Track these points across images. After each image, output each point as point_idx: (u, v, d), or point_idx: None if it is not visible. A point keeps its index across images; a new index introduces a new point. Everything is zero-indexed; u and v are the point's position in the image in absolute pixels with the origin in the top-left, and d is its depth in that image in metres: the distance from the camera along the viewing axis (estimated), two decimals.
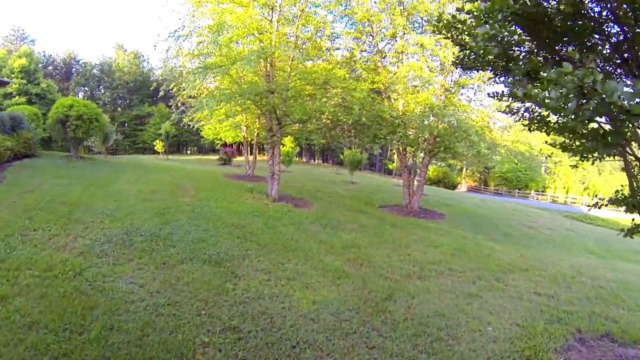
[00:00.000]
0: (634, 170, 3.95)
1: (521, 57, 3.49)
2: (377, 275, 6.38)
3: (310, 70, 11.85)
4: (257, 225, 8.35)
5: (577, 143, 4.21)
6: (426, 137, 13.71)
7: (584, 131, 3.01)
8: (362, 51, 14.05)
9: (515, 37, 2.88)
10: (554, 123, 4.01)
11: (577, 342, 4.69)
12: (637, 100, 1.88)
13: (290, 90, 11.21)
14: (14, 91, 41.72)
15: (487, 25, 2.21)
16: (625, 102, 1.84)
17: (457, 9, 2.79)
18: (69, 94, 52.69)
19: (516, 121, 3.81)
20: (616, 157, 3.97)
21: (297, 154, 33.79)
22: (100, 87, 62.55)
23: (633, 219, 3.90)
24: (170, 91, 13.95)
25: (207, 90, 14.38)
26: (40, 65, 49.72)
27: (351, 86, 11.76)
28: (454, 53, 11.25)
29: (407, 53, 13.35)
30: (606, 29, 3.21)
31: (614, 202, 3.66)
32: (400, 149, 14.88)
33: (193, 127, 15.02)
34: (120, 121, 56.21)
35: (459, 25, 3.09)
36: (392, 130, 13.31)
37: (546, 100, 2.04)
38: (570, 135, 3.89)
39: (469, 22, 2.49)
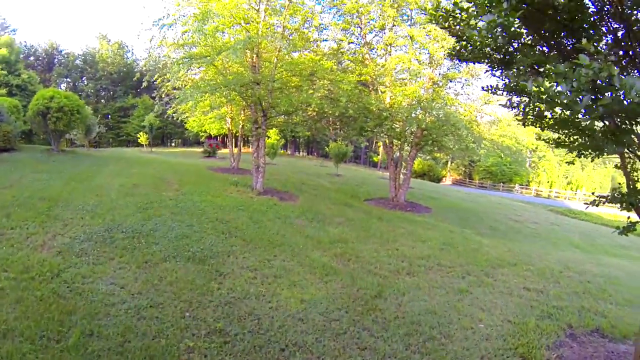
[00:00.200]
0: (631, 170, 3.88)
1: (518, 49, 3.36)
2: (365, 271, 6.26)
3: (297, 61, 11.62)
4: (242, 219, 8.14)
5: (577, 139, 4.12)
6: (413, 130, 13.64)
7: (593, 128, 2.89)
8: (350, 43, 13.85)
9: (518, 28, 2.74)
10: (549, 118, 3.91)
11: (568, 338, 4.67)
12: None
13: (276, 82, 10.97)
14: None
15: (493, 14, 2.05)
16: None
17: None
18: (51, 85, 50.89)
19: (515, 116, 3.68)
20: (612, 155, 3.88)
21: (282, 146, 33.48)
22: (83, 78, 60.67)
23: (628, 217, 3.84)
24: (155, 82, 13.57)
25: (191, 81, 14.04)
26: (21, 55, 47.94)
27: (338, 78, 11.58)
28: (446, 46, 11.19)
29: (396, 45, 13.20)
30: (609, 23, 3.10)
31: (612, 200, 3.58)
32: (387, 141, 14.79)
33: (177, 119, 14.66)
34: (103, 113, 54.72)
35: (458, 15, 2.94)
36: (379, 123, 13.19)
37: (558, 95, 1.90)
38: (571, 132, 3.79)
39: (471, 10, 2.33)
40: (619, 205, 3.66)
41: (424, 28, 11.84)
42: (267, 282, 5.27)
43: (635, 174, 3.86)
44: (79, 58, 60.30)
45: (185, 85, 13.60)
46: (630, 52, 2.91)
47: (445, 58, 12.11)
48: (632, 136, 2.26)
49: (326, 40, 13.70)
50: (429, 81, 12.86)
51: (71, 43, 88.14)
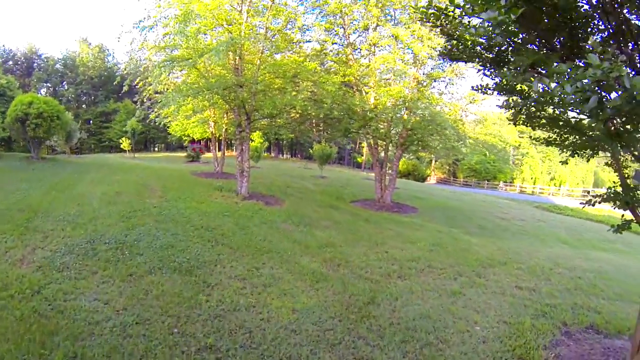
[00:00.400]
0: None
1: (516, 48, 3.28)
2: (356, 276, 6.14)
3: (280, 63, 11.46)
4: (228, 226, 7.95)
5: (567, 138, 4.08)
6: (399, 130, 13.62)
7: (590, 128, 2.83)
8: (333, 43, 13.76)
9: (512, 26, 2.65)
10: (541, 118, 3.86)
11: (564, 336, 4.65)
12: None
13: (259, 84, 10.79)
14: None
15: (494, 11, 1.95)
16: None
17: None
18: (31, 91, 49.29)
19: (507, 116, 3.60)
20: (604, 153, 3.86)
21: (265, 149, 33.20)
22: (64, 82, 59.13)
23: (622, 215, 3.83)
24: (136, 86, 13.25)
25: (173, 84, 13.76)
26: None
27: (322, 79, 11.46)
28: (431, 45, 11.18)
29: (380, 45, 13.16)
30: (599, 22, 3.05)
31: (608, 199, 3.54)
32: (372, 142, 14.74)
33: (159, 123, 14.33)
34: (84, 118, 53.51)
35: (451, 13, 2.84)
36: (363, 124, 13.13)
37: (563, 96, 1.81)
38: (563, 131, 3.74)
39: (467, 7, 2.24)
40: (613, 204, 3.64)
41: (408, 28, 11.81)
42: (256, 292, 5.10)
43: (624, 170, 3.85)
44: (59, 62, 58.74)
45: (167, 89, 13.32)
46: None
47: (429, 58, 12.12)
48: (638, 136, 2.19)
49: (309, 41, 13.60)
50: (413, 81, 12.85)
51: (51, 47, 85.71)
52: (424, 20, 3.08)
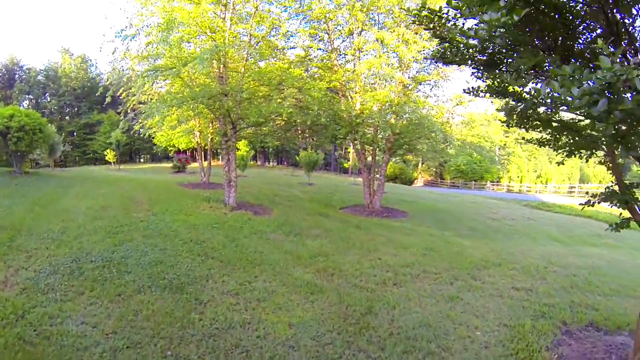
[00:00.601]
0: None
1: (516, 51, 3.22)
2: (351, 285, 6.02)
3: (265, 70, 11.34)
4: (217, 238, 7.76)
5: (560, 138, 4.06)
6: (386, 135, 13.58)
7: (603, 132, 2.77)
8: (318, 49, 13.70)
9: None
10: (535, 119, 3.82)
11: (565, 335, 4.62)
12: None
13: (244, 92, 10.65)
14: None
15: (496, 12, 1.87)
16: None
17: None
18: (13, 103, 48.36)
19: (507, 116, 3.55)
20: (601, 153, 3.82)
21: (251, 158, 32.95)
22: (46, 94, 57.99)
23: (621, 213, 3.82)
24: (120, 97, 13.00)
25: (157, 94, 13.52)
26: None
27: (308, 85, 11.36)
28: (416, 49, 11.19)
29: (365, 50, 13.14)
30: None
31: (606, 198, 3.51)
32: (359, 148, 14.69)
33: (144, 134, 14.06)
34: (68, 130, 52.46)
35: (445, 15, 2.77)
36: (350, 130, 13.07)
37: (570, 100, 1.73)
38: (555, 131, 3.70)
39: (464, 9, 2.16)
40: (612, 203, 3.61)
41: (393, 31, 11.82)
42: (250, 308, 4.93)
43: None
44: (41, 73, 57.65)
45: (151, 99, 13.07)
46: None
47: (414, 61, 12.15)
48: None
49: (294, 47, 13.51)
50: (399, 84, 12.85)
51: (33, 58, 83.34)
52: (417, 22, 3.00)
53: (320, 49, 13.75)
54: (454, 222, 13.71)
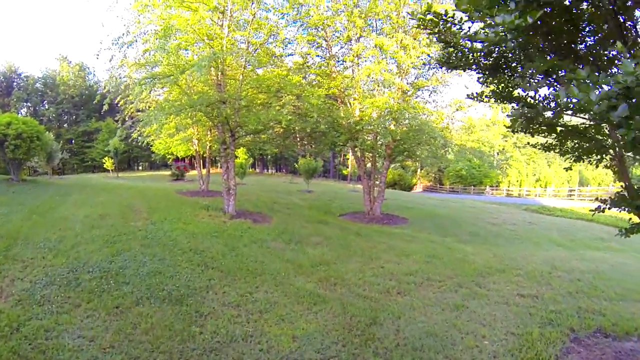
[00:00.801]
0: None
1: (511, 55, 3.16)
2: (354, 295, 5.89)
3: (263, 77, 11.30)
4: (217, 247, 7.64)
5: (565, 143, 3.99)
6: (387, 141, 13.53)
7: (600, 132, 2.70)
8: (316, 56, 13.67)
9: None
10: (541, 124, 3.75)
11: (573, 343, 4.53)
12: None
13: (243, 100, 10.59)
14: None
15: (508, 15, 1.80)
16: None
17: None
18: (11, 111, 48.31)
19: (512, 122, 3.48)
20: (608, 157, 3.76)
21: (250, 165, 32.90)
22: (44, 102, 58.36)
23: (630, 219, 3.74)
24: (118, 105, 12.93)
25: (155, 102, 13.46)
26: None
27: (306, 93, 11.31)
28: (418, 53, 11.16)
29: (364, 57, 13.11)
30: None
31: (616, 204, 3.42)
32: (359, 154, 14.63)
33: (142, 142, 13.98)
34: (66, 138, 52.56)
35: (450, 19, 2.70)
36: (350, 137, 13.01)
37: (587, 104, 1.65)
38: (561, 135, 3.63)
39: (473, 12, 2.09)
40: (623, 208, 3.53)
41: (391, 37, 11.80)
42: (252, 320, 4.80)
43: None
44: (39, 81, 58.02)
45: (149, 107, 13.02)
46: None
47: (413, 67, 12.12)
48: None
49: (292, 54, 13.48)
50: (397, 91, 12.81)
51: (31, 65, 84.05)
52: (421, 27, 2.93)
53: (318, 55, 13.73)
54: (454, 228, 13.62)
